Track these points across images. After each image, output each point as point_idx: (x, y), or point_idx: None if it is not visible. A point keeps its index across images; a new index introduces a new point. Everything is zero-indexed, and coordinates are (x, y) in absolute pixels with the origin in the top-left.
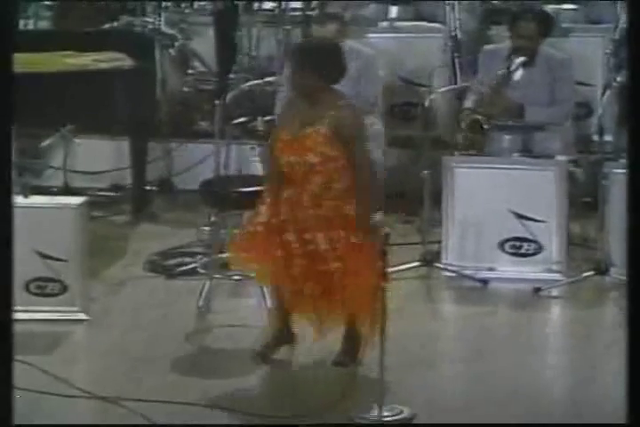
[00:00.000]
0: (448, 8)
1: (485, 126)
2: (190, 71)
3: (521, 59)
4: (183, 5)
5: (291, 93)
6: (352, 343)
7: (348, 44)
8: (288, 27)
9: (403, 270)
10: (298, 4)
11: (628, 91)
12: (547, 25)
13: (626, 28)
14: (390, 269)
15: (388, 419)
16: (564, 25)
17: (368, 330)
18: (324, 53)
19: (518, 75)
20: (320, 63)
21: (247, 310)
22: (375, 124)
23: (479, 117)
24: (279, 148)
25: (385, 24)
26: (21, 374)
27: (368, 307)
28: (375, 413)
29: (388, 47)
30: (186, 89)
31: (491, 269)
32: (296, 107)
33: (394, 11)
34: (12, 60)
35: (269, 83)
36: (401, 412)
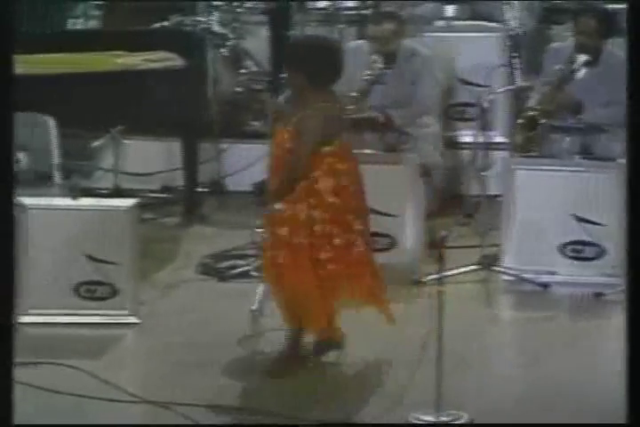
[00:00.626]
0: (506, 6)
1: (542, 121)
2: (243, 71)
3: (584, 57)
4: (235, 4)
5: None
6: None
7: (405, 43)
8: (342, 26)
9: (461, 273)
10: (352, 3)
11: (627, 91)
12: (608, 23)
13: (626, 28)
14: (448, 273)
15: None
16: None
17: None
18: (314, 54)
19: (581, 73)
20: (308, 63)
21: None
22: (432, 126)
23: (535, 113)
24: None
25: (441, 23)
26: (70, 378)
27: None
28: (432, 416)
29: (444, 47)
30: (238, 89)
31: (551, 273)
32: (285, 105)
33: (450, 9)
34: (13, 60)
35: None
36: (458, 416)
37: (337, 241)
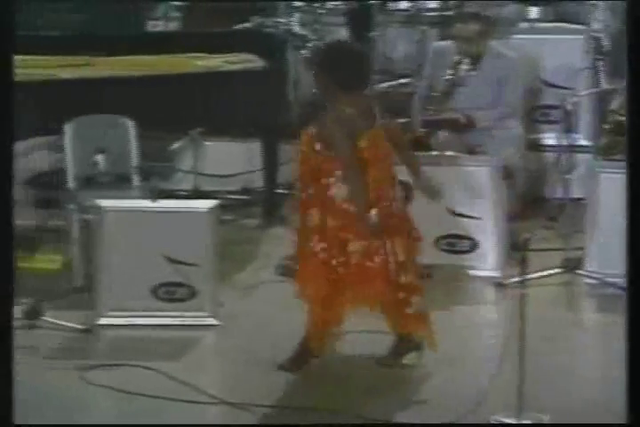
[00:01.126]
0: (590, 8)
1: None
2: None
3: None
4: (316, 5)
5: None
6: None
7: (491, 45)
8: (424, 27)
9: (543, 277)
10: (434, 4)
11: (627, 91)
12: None
13: (626, 28)
14: (531, 276)
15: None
16: None
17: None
18: (340, 58)
19: None
20: (333, 68)
21: (380, 315)
22: (514, 128)
23: (622, 119)
24: None
25: (525, 25)
26: (149, 380)
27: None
28: (513, 418)
29: (528, 49)
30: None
31: None
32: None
33: (534, 11)
34: (13, 62)
35: (405, 84)
36: (540, 419)
37: (351, 248)
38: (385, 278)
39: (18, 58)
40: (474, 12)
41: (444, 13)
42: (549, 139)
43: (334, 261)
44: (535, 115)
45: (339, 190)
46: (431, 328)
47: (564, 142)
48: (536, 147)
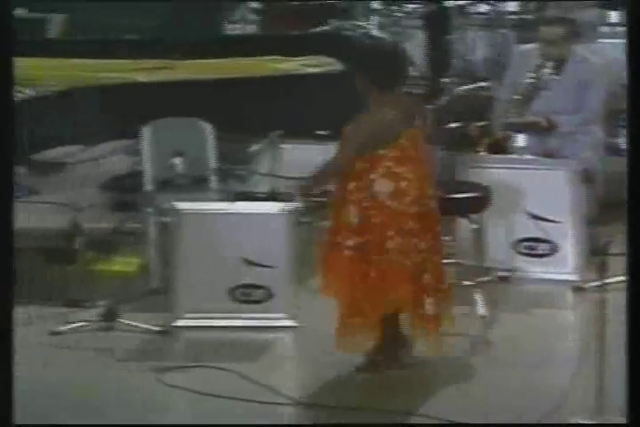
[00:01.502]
0: None
1: None
2: None
3: None
4: (394, 8)
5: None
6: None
7: (575, 49)
8: (504, 30)
9: (623, 282)
10: (514, 8)
11: (628, 91)
12: None
13: (626, 29)
14: (610, 280)
15: None
16: None
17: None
18: (376, 57)
19: None
20: (370, 66)
21: (457, 317)
22: (594, 132)
23: None
24: None
25: (606, 29)
26: (225, 381)
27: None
28: (592, 420)
29: (609, 53)
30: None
31: None
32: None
33: (614, 15)
34: (13, 63)
35: (483, 87)
36: (619, 421)
37: (390, 245)
38: (419, 277)
39: (97, 61)
40: (559, 16)
41: (523, 17)
42: None
43: (373, 258)
44: (616, 119)
45: (381, 187)
46: (439, 332)
47: None
48: (616, 151)
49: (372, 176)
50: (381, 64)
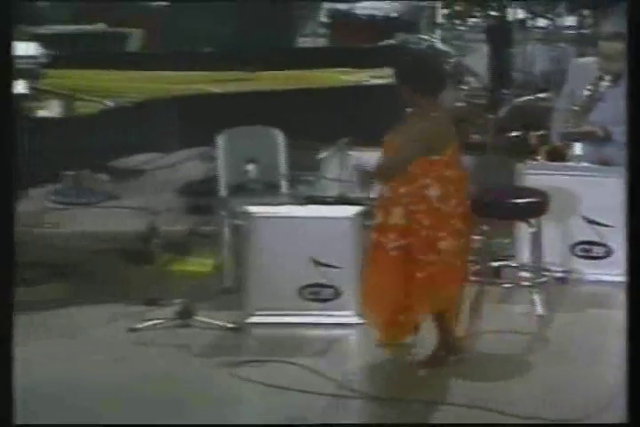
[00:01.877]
0: None
1: None
2: (464, 86)
3: None
4: (457, 22)
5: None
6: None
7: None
8: (562, 44)
9: None
10: (572, 22)
11: (628, 91)
12: None
13: (626, 29)
14: None
15: None
16: None
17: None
18: (418, 66)
19: None
20: (413, 75)
21: (516, 316)
22: None
23: None
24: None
25: None
26: (295, 375)
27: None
28: None
29: None
30: (459, 103)
31: None
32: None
33: None
34: (14, 63)
35: (543, 98)
36: None
37: (442, 246)
38: (464, 278)
39: (175, 73)
40: (618, 31)
41: (580, 31)
42: None
43: (420, 258)
44: None
45: (434, 191)
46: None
47: None
48: None
49: (426, 181)
50: (421, 74)
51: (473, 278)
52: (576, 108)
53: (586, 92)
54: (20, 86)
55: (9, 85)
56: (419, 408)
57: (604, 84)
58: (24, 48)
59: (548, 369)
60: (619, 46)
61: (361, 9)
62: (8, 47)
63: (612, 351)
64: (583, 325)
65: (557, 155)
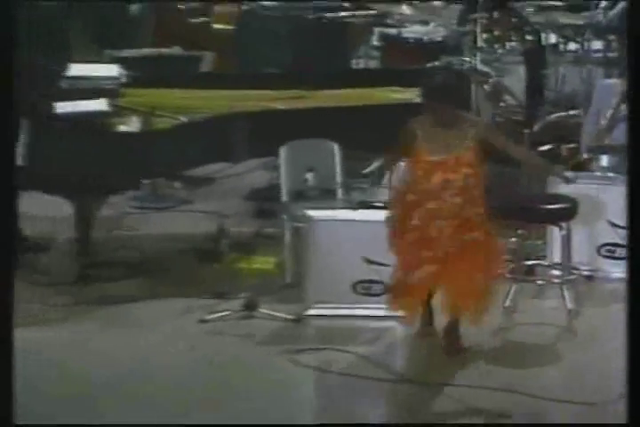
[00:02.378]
0: None
1: None
2: (502, 104)
3: None
4: (497, 46)
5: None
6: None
7: None
8: (590, 66)
9: None
10: (599, 46)
11: (628, 91)
12: None
13: (626, 30)
14: None
15: None
16: None
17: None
18: (446, 81)
19: None
20: (444, 91)
21: (548, 310)
22: None
23: None
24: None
25: None
26: (349, 361)
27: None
28: None
29: None
30: (498, 119)
31: None
32: (433, 130)
33: None
34: (14, 64)
35: (573, 115)
36: None
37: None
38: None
39: (243, 92)
40: None
41: (607, 55)
42: None
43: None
44: None
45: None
46: None
47: None
48: None
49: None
50: (438, 88)
51: (509, 276)
52: (602, 124)
53: (610, 111)
54: (102, 104)
55: (9, 90)
56: (459, 392)
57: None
58: (107, 69)
59: (576, 357)
60: None
61: (409, 33)
62: (9, 48)
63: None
64: (608, 318)
65: (585, 166)
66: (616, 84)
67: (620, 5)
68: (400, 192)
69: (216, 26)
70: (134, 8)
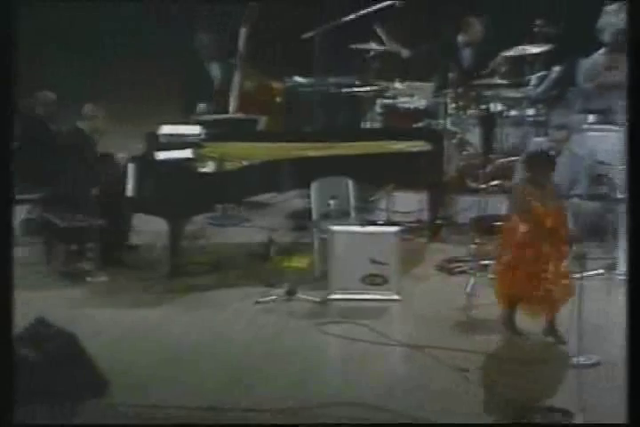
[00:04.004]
0: None
1: None
2: (464, 152)
3: None
4: (461, 112)
5: None
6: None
7: None
8: (525, 127)
9: None
10: (532, 113)
11: (627, 91)
12: None
13: (627, 30)
14: None
15: None
16: None
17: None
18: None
19: None
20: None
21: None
22: None
23: None
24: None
25: None
26: (361, 331)
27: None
28: None
29: None
30: (462, 163)
31: None
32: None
33: None
34: (14, 64)
35: (513, 160)
36: None
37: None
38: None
39: (286, 144)
40: (562, 122)
41: (537, 119)
42: None
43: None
44: None
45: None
46: None
47: None
48: None
49: None
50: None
51: (470, 271)
52: None
53: None
54: (188, 153)
55: (9, 95)
56: (436, 352)
57: None
58: (191, 129)
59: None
60: (564, 133)
61: (401, 103)
62: (9, 49)
63: None
64: None
65: None
66: (543, 141)
67: (545, 85)
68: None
69: (268, 97)
70: (217, 82)
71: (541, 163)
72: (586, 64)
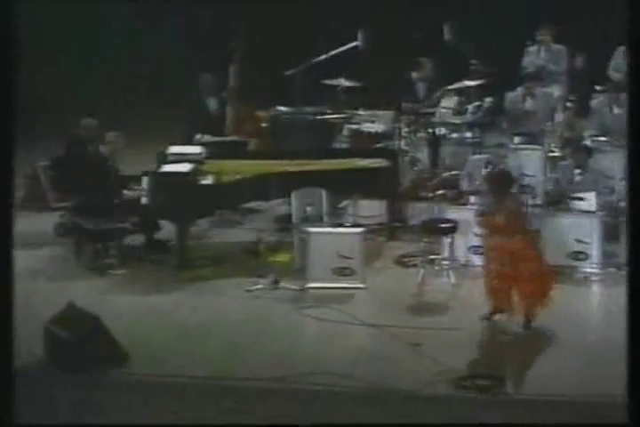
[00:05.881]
0: None
1: None
2: (415, 168)
3: None
4: (412, 135)
5: None
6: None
7: None
8: (465, 147)
9: None
10: (470, 135)
11: (627, 91)
12: None
13: (627, 31)
14: None
15: None
16: None
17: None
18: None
19: None
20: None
21: (441, 284)
22: None
23: None
24: None
25: None
26: (333, 313)
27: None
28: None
29: None
30: (413, 177)
31: None
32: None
33: None
34: (14, 65)
35: (456, 174)
36: None
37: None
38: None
39: (273, 162)
40: (500, 142)
41: (474, 140)
42: None
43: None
44: None
45: None
46: None
47: None
48: None
49: None
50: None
51: (420, 264)
52: (473, 180)
53: (476, 172)
54: (189, 168)
55: (10, 97)
56: (395, 330)
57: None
58: (194, 149)
59: (457, 309)
60: (502, 151)
61: (364, 128)
62: (9, 50)
63: None
64: (471, 287)
65: (462, 203)
66: (480, 158)
67: (480, 112)
68: None
69: (256, 123)
70: (214, 112)
71: (500, 179)
72: (511, 95)
